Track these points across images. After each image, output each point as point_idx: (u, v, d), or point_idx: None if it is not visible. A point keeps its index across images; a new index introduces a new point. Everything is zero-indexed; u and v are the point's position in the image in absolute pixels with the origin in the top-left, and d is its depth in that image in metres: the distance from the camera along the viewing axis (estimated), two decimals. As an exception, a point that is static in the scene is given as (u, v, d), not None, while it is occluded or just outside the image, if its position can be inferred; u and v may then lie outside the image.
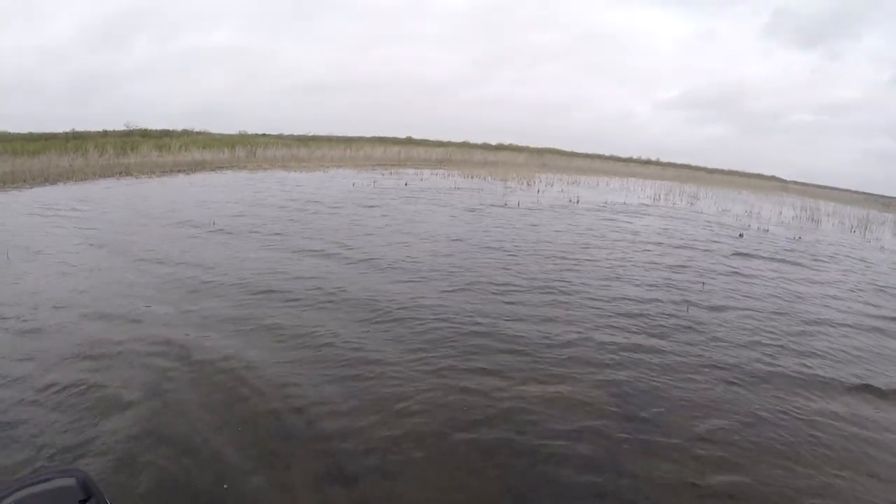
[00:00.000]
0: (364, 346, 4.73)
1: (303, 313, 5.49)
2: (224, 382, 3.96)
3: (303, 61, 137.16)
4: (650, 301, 6.83)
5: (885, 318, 7.31)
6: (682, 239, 12.12)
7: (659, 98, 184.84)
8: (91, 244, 8.22)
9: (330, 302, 5.89)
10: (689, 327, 5.86)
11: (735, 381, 4.65)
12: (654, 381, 4.49)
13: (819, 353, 5.54)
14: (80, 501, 0.93)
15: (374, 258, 7.99)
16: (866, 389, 4.76)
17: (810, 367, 5.10)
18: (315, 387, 3.95)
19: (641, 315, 6.22)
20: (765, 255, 11.19)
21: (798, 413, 4.15)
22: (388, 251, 8.50)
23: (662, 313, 6.33)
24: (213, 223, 9.96)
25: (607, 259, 9.24)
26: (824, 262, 11.28)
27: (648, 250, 10.40)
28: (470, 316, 5.72)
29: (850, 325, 6.70)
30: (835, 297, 8.21)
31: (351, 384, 4.01)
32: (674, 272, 8.71)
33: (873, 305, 7.97)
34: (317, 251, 8.27)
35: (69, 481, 0.96)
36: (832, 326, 6.56)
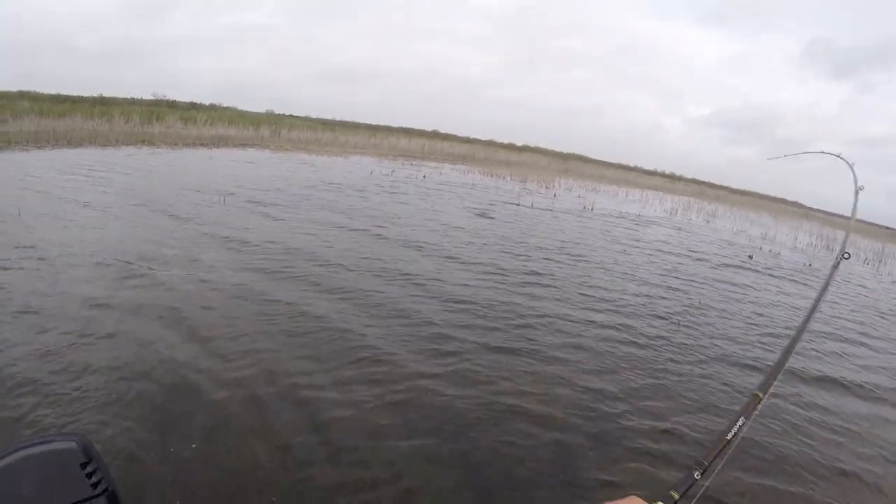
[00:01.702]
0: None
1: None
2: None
3: (337, 48, 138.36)
4: (630, 299, 6.88)
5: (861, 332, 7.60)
6: (686, 252, 12.04)
7: (689, 114, 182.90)
8: (104, 201, 8.42)
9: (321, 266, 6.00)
10: (666, 333, 5.85)
11: (708, 376, 4.76)
12: (625, 371, 4.58)
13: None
14: (80, 465, 0.92)
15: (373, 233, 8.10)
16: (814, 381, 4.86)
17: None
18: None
19: (619, 310, 6.31)
20: (762, 272, 11.09)
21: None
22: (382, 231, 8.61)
23: (644, 313, 6.34)
24: (224, 199, 10.11)
25: (600, 260, 9.26)
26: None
27: (645, 256, 10.43)
28: (450, 295, 5.90)
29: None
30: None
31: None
32: (665, 277, 8.81)
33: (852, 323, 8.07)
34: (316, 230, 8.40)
35: (70, 444, 0.93)
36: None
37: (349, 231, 8.79)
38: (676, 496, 1.16)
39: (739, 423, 1.37)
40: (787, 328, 6.83)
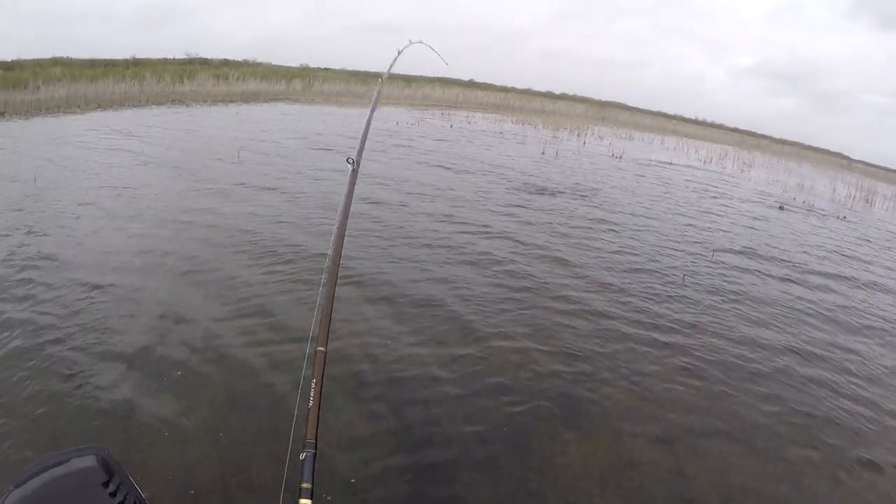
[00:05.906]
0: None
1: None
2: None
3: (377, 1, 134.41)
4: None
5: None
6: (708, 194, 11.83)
7: (734, 65, 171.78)
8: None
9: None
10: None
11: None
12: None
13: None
14: (103, 483, 0.90)
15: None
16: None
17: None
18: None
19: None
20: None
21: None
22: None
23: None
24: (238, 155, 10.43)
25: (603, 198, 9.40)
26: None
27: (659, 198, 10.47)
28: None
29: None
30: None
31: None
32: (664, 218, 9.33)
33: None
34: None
35: (88, 460, 0.92)
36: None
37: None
38: (310, 485, 1.13)
39: (313, 385, 1.34)
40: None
